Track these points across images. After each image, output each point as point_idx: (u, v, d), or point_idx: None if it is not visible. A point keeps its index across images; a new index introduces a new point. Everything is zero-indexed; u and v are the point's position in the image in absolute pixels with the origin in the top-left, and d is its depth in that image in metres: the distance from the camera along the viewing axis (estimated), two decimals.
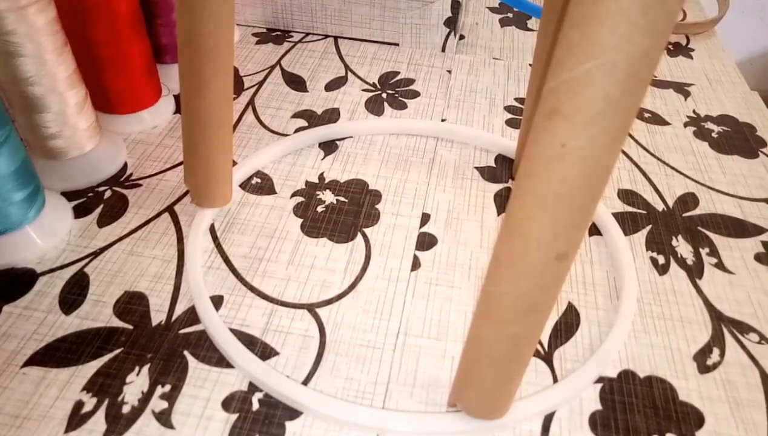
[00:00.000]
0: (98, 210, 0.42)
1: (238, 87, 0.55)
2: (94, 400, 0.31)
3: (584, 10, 0.17)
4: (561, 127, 0.19)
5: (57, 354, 0.33)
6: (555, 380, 0.33)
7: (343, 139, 0.50)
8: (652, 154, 0.50)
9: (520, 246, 0.23)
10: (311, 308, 0.36)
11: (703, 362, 0.35)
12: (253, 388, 0.32)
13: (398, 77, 0.58)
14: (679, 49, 0.66)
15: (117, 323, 0.35)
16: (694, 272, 0.40)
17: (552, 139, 0.20)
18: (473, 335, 0.27)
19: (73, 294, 0.36)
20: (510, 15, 0.71)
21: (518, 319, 0.25)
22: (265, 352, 0.34)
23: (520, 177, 0.22)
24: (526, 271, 0.23)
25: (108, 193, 0.43)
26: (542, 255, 0.22)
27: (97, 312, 0.35)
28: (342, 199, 0.44)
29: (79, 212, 0.42)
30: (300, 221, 0.42)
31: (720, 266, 0.41)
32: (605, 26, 0.17)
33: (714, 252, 0.42)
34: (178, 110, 0.52)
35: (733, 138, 0.52)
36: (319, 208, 0.43)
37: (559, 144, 0.19)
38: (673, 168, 0.49)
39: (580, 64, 0.18)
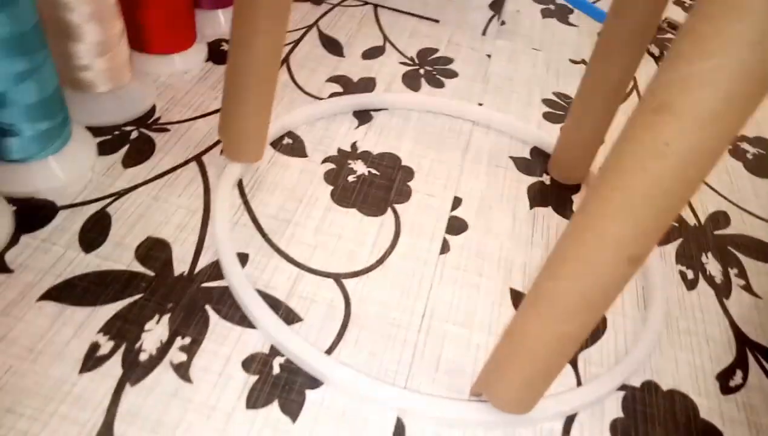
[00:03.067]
0: (124, 150, 0.40)
1: None
2: (111, 343, 0.30)
3: (723, 3, 0.16)
4: (668, 125, 0.18)
5: (75, 292, 0.32)
6: (579, 382, 0.33)
7: (378, 110, 0.48)
8: None
9: (593, 243, 0.22)
10: (338, 278, 0.35)
11: (725, 382, 0.34)
12: (274, 352, 0.31)
13: (436, 54, 0.56)
14: None
15: (138, 267, 0.34)
16: (722, 291, 0.40)
17: (655, 137, 0.19)
18: (517, 328, 0.26)
19: (94, 233, 0.35)
20: (552, 7, 0.69)
21: (572, 317, 0.24)
22: (288, 317, 0.33)
23: (606, 172, 0.21)
24: (593, 269, 0.22)
25: (135, 134, 0.42)
26: (614, 255, 0.21)
27: (118, 254, 0.34)
28: (374, 171, 0.43)
29: (104, 150, 0.40)
30: (330, 188, 0.41)
31: (747, 288, 0.40)
32: (746, 22, 0.16)
33: (742, 274, 0.41)
34: (210, 58, 0.50)
35: None
36: (350, 178, 0.42)
37: (663, 142, 0.18)
38: (706, 183, 0.48)
39: (704, 59, 0.17)
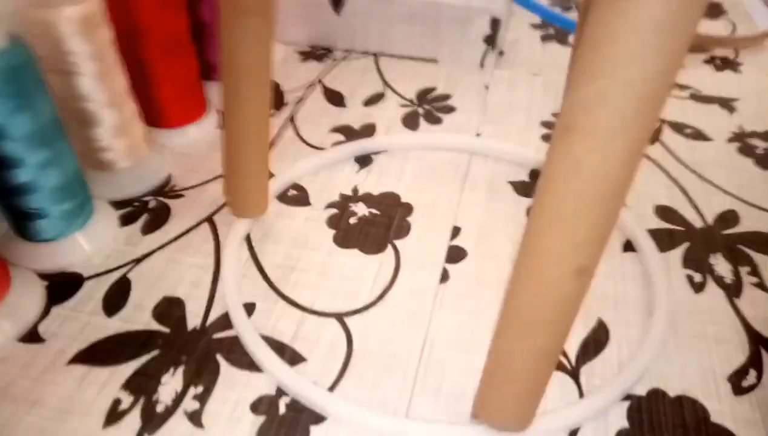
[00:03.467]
0: (143, 219, 0.44)
1: (280, 103, 0.57)
2: (131, 398, 0.33)
3: (598, 29, 0.18)
4: (576, 143, 0.20)
5: (99, 354, 0.35)
6: (581, 395, 0.33)
7: (378, 153, 0.51)
8: (692, 171, 0.49)
9: (539, 260, 0.23)
10: (340, 317, 0.37)
11: (738, 383, 0.34)
12: (280, 392, 0.33)
13: (435, 93, 0.59)
14: (726, 64, 0.64)
15: (155, 326, 0.36)
16: (733, 290, 0.39)
17: (568, 155, 0.20)
18: (494, 348, 0.27)
19: (116, 298, 0.38)
20: (551, 31, 0.71)
21: (537, 332, 0.25)
22: (293, 358, 0.35)
23: (538, 192, 0.22)
24: (544, 285, 0.23)
25: (153, 203, 0.45)
26: (560, 269, 0.23)
27: (137, 316, 0.37)
28: (374, 211, 0.45)
29: (125, 221, 0.44)
30: (332, 232, 0.43)
31: (761, 285, 0.39)
32: (619, 45, 0.17)
33: (755, 271, 0.40)
34: (221, 125, 0.54)
35: None
36: (352, 220, 0.44)
37: (575, 160, 0.20)
38: (713, 184, 0.48)
39: (593, 82, 0.18)
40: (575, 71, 0.20)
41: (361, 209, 0.45)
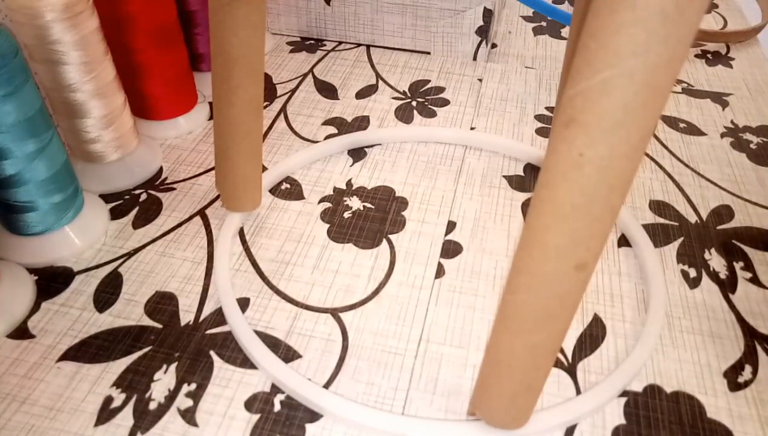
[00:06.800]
0: (134, 212, 0.43)
1: (271, 94, 0.56)
2: (123, 396, 0.32)
3: (602, 19, 0.17)
4: (578, 137, 0.19)
5: (90, 350, 0.34)
6: (578, 392, 0.33)
7: (371, 146, 0.50)
8: (687, 165, 0.49)
9: (539, 255, 0.23)
10: (335, 312, 0.37)
11: (733, 379, 0.34)
12: (275, 389, 0.33)
13: (428, 85, 0.58)
14: (718, 58, 0.64)
15: (147, 321, 0.36)
16: (727, 286, 0.39)
17: (569, 149, 0.20)
18: (492, 344, 0.27)
19: (107, 293, 0.37)
20: (543, 24, 0.71)
21: (537, 328, 0.25)
22: (288, 354, 0.34)
23: (538, 186, 0.22)
24: (544, 280, 0.23)
25: (143, 196, 0.45)
26: (560, 265, 0.22)
27: (129, 311, 0.36)
28: (369, 205, 0.44)
29: (116, 214, 0.43)
30: (326, 226, 0.43)
31: (755, 280, 0.40)
32: (623, 35, 0.17)
33: (749, 266, 0.40)
34: (212, 116, 0.53)
35: None
36: (346, 215, 0.44)
37: (577, 153, 0.19)
38: (708, 179, 0.48)
39: (597, 73, 0.18)
40: (576, 63, 0.19)
41: (355, 203, 0.44)
